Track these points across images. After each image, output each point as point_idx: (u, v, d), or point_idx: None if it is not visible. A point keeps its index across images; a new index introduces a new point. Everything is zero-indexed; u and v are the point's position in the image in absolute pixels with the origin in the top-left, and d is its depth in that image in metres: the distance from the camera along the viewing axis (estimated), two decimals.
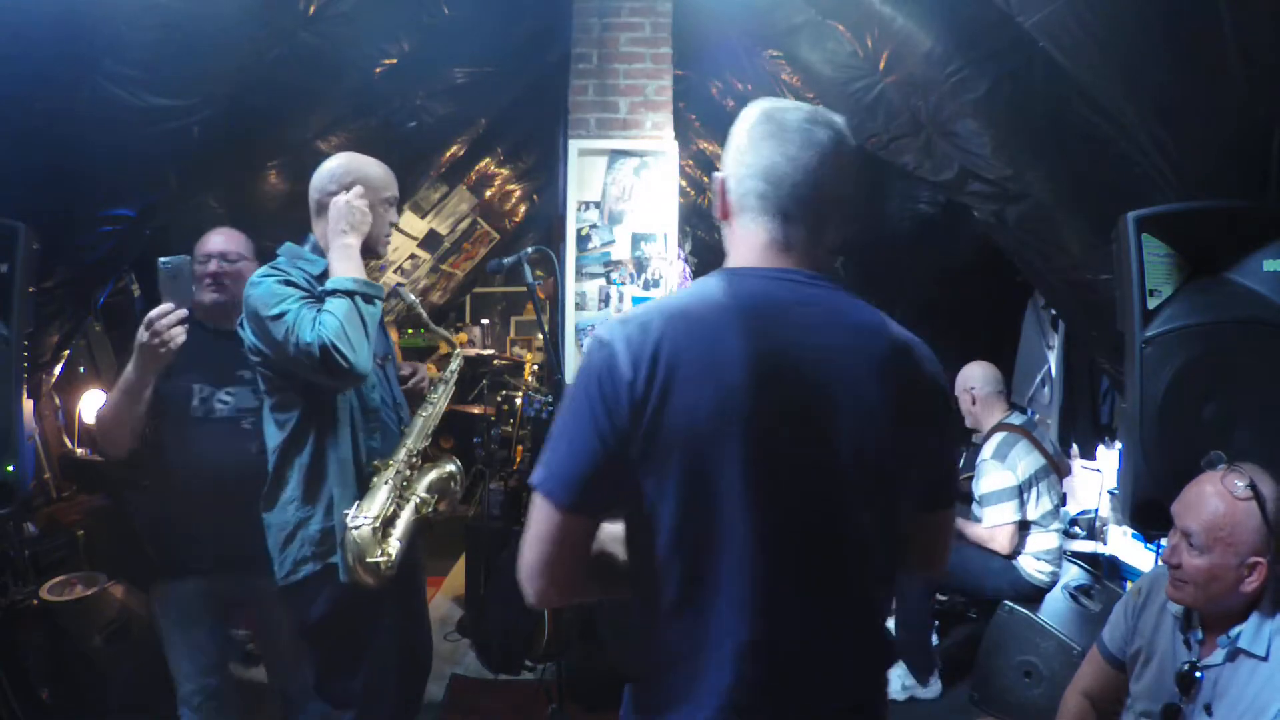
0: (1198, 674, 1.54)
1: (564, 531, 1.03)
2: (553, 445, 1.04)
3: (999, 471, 3.09)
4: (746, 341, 1.01)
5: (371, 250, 1.99)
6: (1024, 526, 3.10)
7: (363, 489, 1.90)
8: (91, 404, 3.36)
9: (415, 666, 2.12)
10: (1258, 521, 1.45)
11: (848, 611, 1.07)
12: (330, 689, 1.95)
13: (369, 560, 1.81)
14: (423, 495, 2.01)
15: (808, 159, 1.07)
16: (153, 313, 2.02)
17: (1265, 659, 1.47)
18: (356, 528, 1.81)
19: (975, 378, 3.37)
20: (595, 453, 1.00)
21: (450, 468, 2.16)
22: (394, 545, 1.87)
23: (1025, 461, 3.10)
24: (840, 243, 1.14)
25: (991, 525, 3.09)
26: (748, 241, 1.11)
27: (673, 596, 1.03)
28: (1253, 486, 1.46)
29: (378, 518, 1.85)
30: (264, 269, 1.91)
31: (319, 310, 1.77)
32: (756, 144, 1.09)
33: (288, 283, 1.83)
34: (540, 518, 1.03)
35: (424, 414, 2.10)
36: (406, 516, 1.95)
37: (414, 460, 2.01)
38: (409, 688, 2.10)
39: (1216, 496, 1.49)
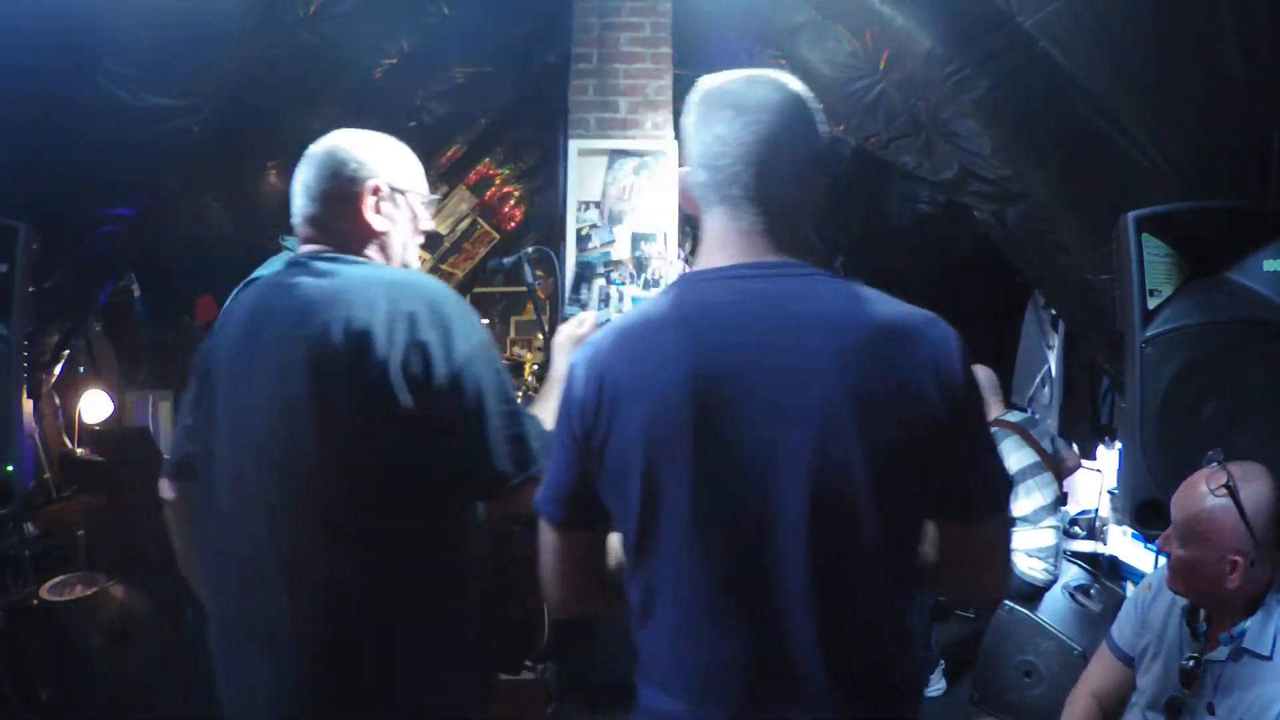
0: (1201, 669, 1.55)
1: (563, 545, 1.05)
2: (549, 462, 1.07)
3: None
4: (684, 356, 0.94)
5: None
6: (1011, 522, 3.10)
7: None
8: (91, 404, 3.37)
9: None
10: (1234, 520, 1.47)
11: (813, 637, 0.93)
12: None
13: None
14: None
15: (742, 134, 0.96)
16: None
17: (1269, 658, 1.47)
18: None
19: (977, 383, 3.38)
20: (569, 472, 1.01)
21: None
22: None
23: (1014, 457, 3.10)
24: (818, 204, 1.03)
25: None
26: (707, 240, 1.02)
27: (638, 611, 1.00)
28: (1230, 485, 1.48)
29: None
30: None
31: None
32: (697, 131, 1.00)
33: None
34: (541, 532, 1.06)
35: None
36: None
37: None
38: None
39: (1199, 493, 1.52)
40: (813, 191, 1.02)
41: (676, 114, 3.73)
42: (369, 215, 1.29)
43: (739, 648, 0.94)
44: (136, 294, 3.34)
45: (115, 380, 3.61)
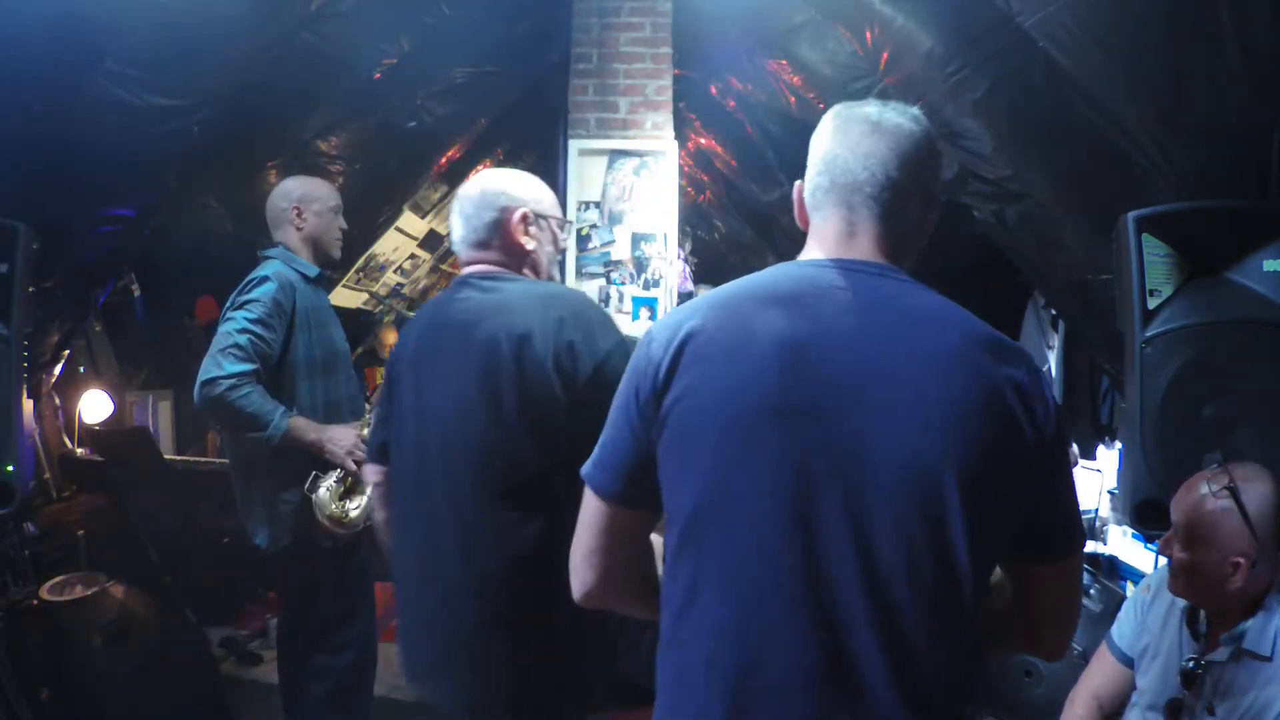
0: (1201, 670, 1.54)
1: (607, 521, 1.01)
2: (602, 434, 1.03)
3: None
4: (773, 328, 0.92)
5: (325, 254, 2.31)
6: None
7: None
8: (91, 404, 3.37)
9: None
10: (1236, 522, 1.46)
11: (877, 654, 0.86)
12: (330, 640, 2.25)
13: (329, 514, 2.12)
14: None
15: (871, 147, 0.99)
16: None
17: (1270, 659, 1.47)
18: (315, 492, 2.13)
19: None
20: (628, 442, 0.98)
21: None
22: (354, 504, 2.18)
23: None
24: (924, 236, 1.05)
25: None
26: (814, 238, 1.03)
27: (676, 605, 0.95)
28: (1231, 488, 1.47)
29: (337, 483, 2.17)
30: (267, 271, 2.14)
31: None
32: (823, 141, 1.03)
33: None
34: (586, 505, 1.03)
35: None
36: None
37: None
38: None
39: (1200, 495, 1.52)
40: (924, 221, 1.04)
41: (677, 114, 3.73)
42: (520, 237, 1.57)
43: (802, 661, 0.87)
44: (136, 294, 3.34)
45: (115, 380, 3.61)
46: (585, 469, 1.03)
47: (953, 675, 0.89)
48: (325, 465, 2.16)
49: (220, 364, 1.98)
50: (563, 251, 1.72)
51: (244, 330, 2.02)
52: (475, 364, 1.43)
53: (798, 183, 1.07)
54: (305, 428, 2.10)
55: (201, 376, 1.98)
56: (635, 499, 1.00)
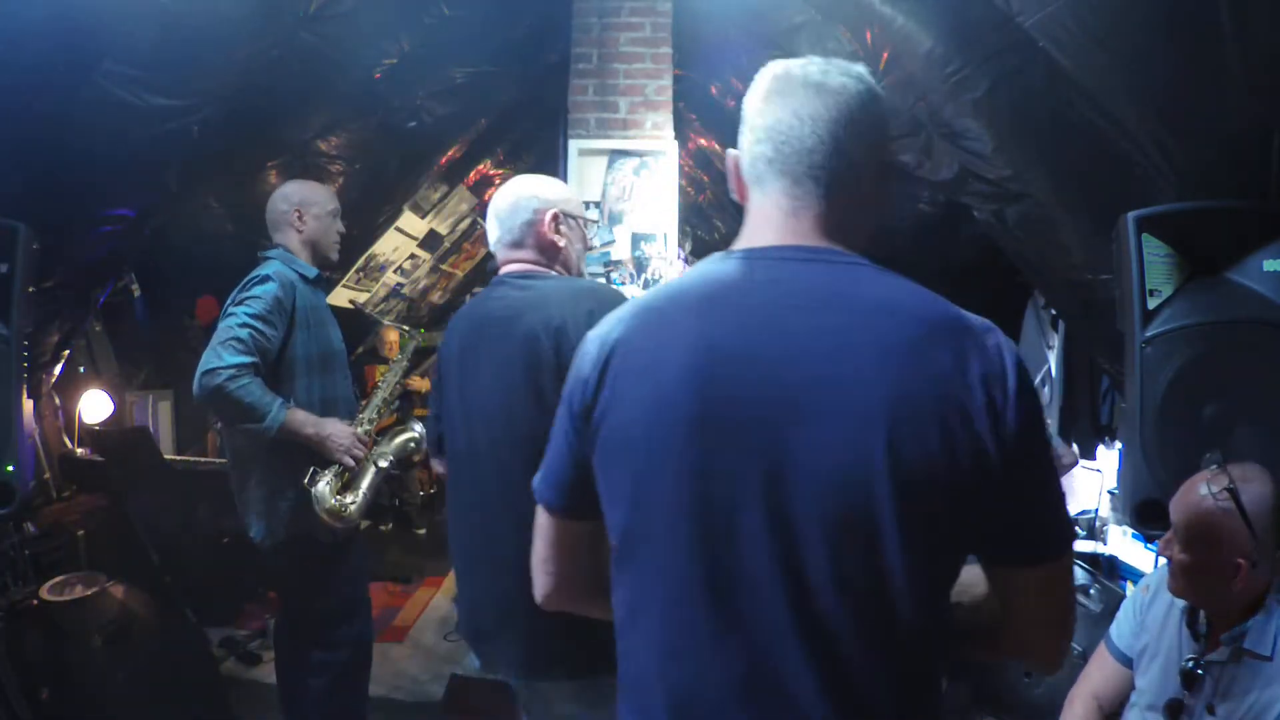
0: (1201, 670, 1.54)
1: (556, 532, 1.00)
2: (548, 446, 1.02)
3: None
4: (696, 337, 0.86)
5: (324, 256, 2.38)
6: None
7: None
8: (91, 404, 3.37)
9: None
10: (1237, 524, 1.46)
11: (784, 668, 0.82)
12: (327, 636, 2.32)
13: (328, 509, 2.19)
14: (383, 462, 2.39)
15: (819, 111, 0.89)
16: None
17: (1270, 659, 1.47)
18: (314, 486, 2.19)
19: None
20: (567, 455, 0.95)
21: (410, 433, 2.55)
22: (351, 499, 2.25)
23: None
24: (880, 211, 0.96)
25: None
26: (755, 217, 0.94)
27: (621, 622, 0.92)
28: (1232, 489, 1.47)
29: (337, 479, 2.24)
30: (267, 271, 2.18)
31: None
32: (764, 106, 0.92)
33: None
34: (538, 514, 1.02)
35: (379, 392, 2.48)
36: (368, 477, 2.31)
37: (371, 432, 2.38)
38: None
39: (1200, 497, 1.52)
40: (879, 193, 0.94)
41: (677, 114, 3.73)
42: (551, 236, 1.69)
43: (733, 676, 0.84)
44: (136, 294, 3.34)
45: (115, 380, 3.62)
46: (535, 480, 1.02)
47: (895, 691, 0.83)
48: (322, 460, 2.20)
49: (220, 355, 2.01)
50: (590, 249, 1.85)
51: (245, 325, 2.06)
52: (518, 357, 1.53)
53: (731, 152, 0.97)
54: (303, 421, 2.14)
55: (201, 367, 2.01)
56: (578, 511, 0.97)
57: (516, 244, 1.70)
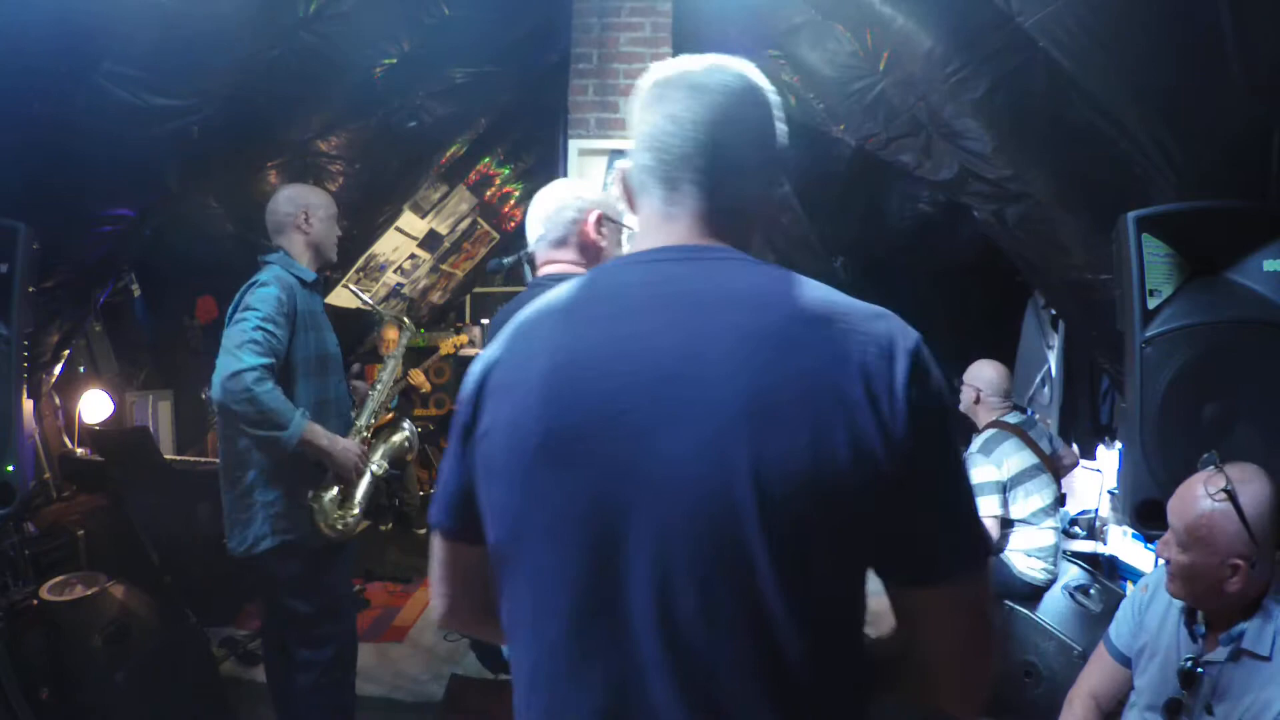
0: (1200, 670, 1.54)
1: (445, 553, 0.95)
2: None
3: (983, 465, 3.11)
4: (548, 350, 0.82)
5: (325, 257, 2.42)
6: (1008, 524, 3.11)
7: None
8: (91, 404, 3.37)
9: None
10: (1235, 525, 1.46)
11: (649, 701, 0.75)
12: (313, 634, 2.33)
13: (329, 522, 2.25)
14: (378, 469, 2.46)
15: (694, 113, 0.85)
16: None
17: (1268, 659, 1.47)
18: (320, 501, 2.25)
19: (983, 379, 3.36)
20: (454, 476, 0.90)
21: (402, 434, 2.60)
22: (350, 511, 2.33)
23: (1013, 459, 3.10)
24: (771, 208, 0.92)
25: None
26: (641, 226, 0.90)
27: (507, 640, 0.88)
28: (1229, 490, 1.47)
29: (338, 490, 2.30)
30: (267, 277, 2.21)
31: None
32: (644, 114, 0.89)
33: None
34: (432, 537, 0.97)
35: (374, 392, 2.53)
36: (364, 486, 2.38)
37: (368, 438, 2.45)
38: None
39: (1198, 498, 1.52)
40: (767, 190, 0.90)
41: None
42: (594, 235, 1.76)
43: (594, 710, 0.77)
44: (136, 294, 3.34)
45: (115, 380, 3.61)
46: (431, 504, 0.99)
47: None
48: (317, 472, 2.26)
49: (240, 358, 2.02)
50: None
51: (258, 327, 2.08)
52: None
53: (619, 164, 0.96)
54: (319, 433, 2.18)
55: (224, 371, 2.01)
56: (466, 534, 0.90)
57: (560, 242, 1.75)
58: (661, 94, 0.88)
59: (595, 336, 0.81)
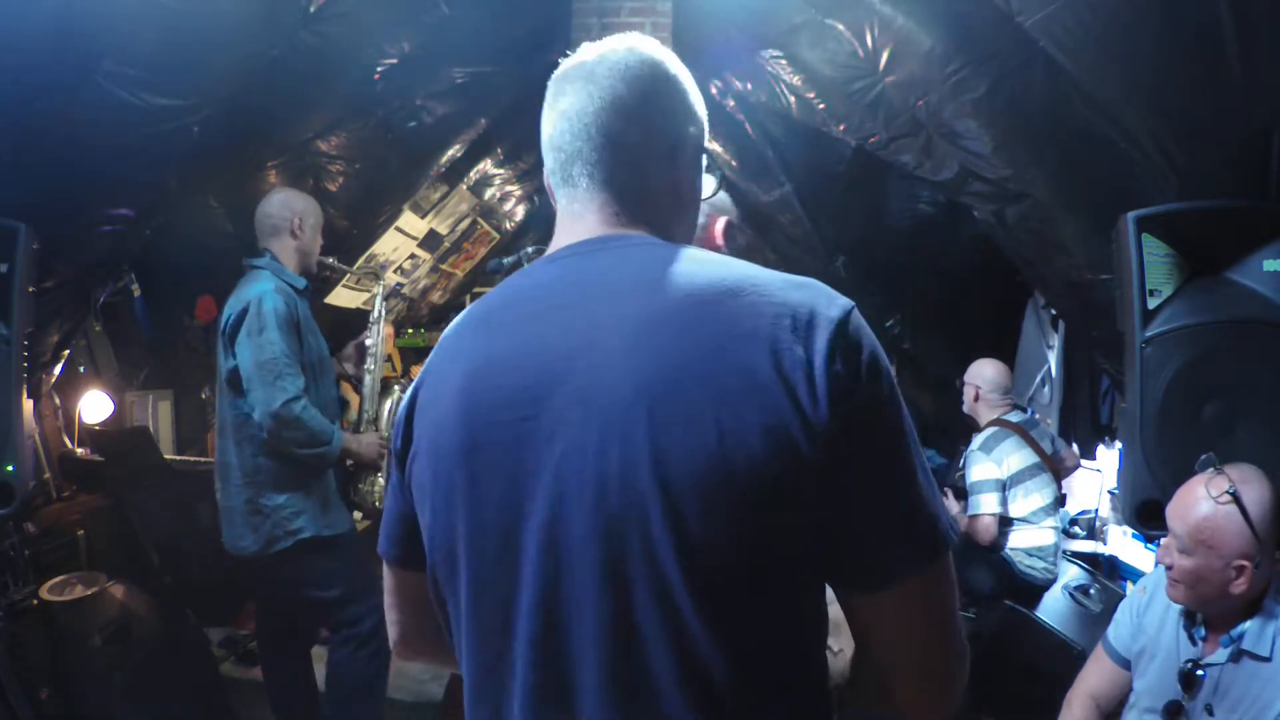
0: (1200, 672, 1.54)
1: (394, 581, 0.91)
2: None
3: (984, 463, 3.11)
4: (465, 357, 0.79)
5: (309, 267, 2.50)
6: (1007, 522, 3.11)
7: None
8: (91, 404, 3.37)
9: None
10: (1239, 526, 1.46)
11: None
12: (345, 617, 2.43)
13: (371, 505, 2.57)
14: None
15: (584, 105, 0.81)
16: None
17: (1268, 659, 1.47)
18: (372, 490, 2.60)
19: (983, 377, 3.37)
20: (393, 504, 0.88)
21: (393, 396, 2.75)
22: (380, 483, 2.61)
23: (1014, 458, 3.11)
24: (685, 191, 0.86)
25: (971, 514, 3.11)
26: (556, 228, 0.87)
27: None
28: (1234, 491, 1.47)
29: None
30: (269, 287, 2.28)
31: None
32: (546, 116, 0.86)
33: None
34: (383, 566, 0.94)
35: (370, 371, 2.68)
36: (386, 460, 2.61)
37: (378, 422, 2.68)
38: None
39: (1200, 501, 1.51)
40: (677, 173, 0.84)
41: None
42: (720, 241, 1.72)
43: None
44: (136, 294, 3.33)
45: (115, 380, 3.61)
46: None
47: None
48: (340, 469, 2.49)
49: (283, 388, 2.15)
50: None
51: (285, 352, 2.19)
52: None
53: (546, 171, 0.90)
54: (349, 438, 2.38)
55: (271, 404, 2.13)
56: (409, 561, 0.86)
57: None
58: (557, 90, 0.85)
59: (503, 343, 0.77)
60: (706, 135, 0.90)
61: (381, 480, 2.63)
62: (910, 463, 0.70)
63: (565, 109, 0.83)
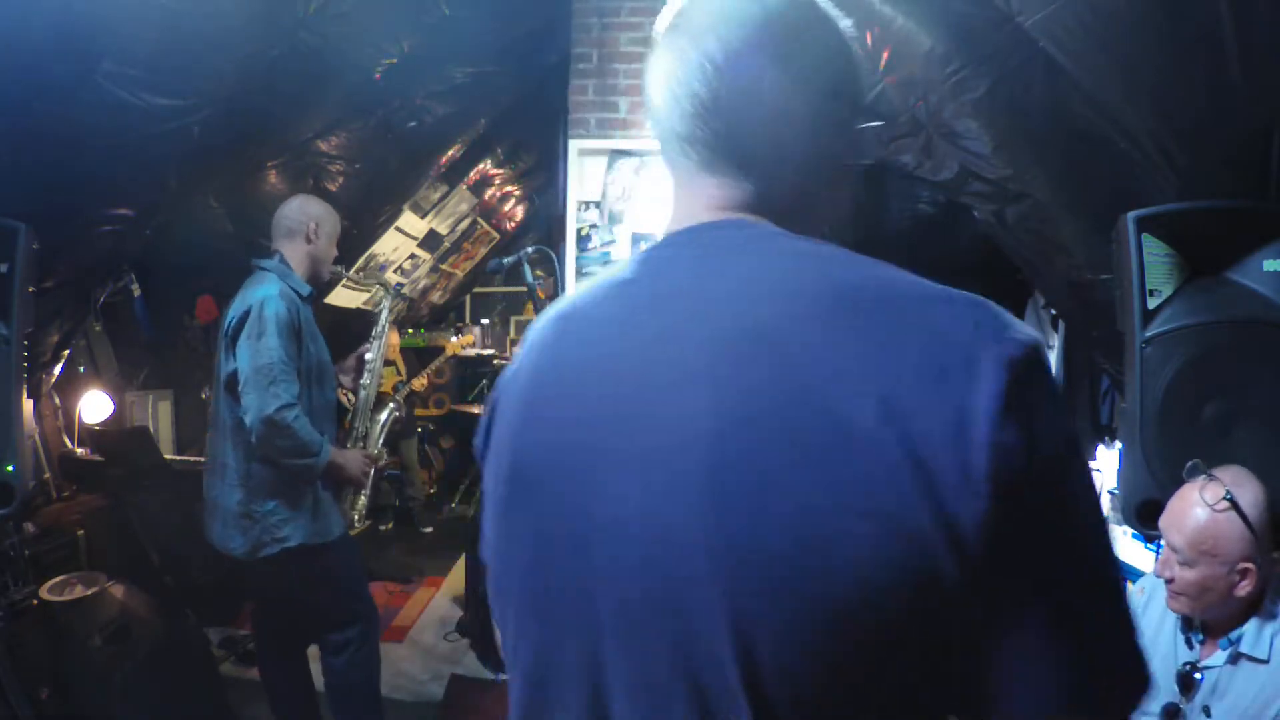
0: (1197, 675, 1.54)
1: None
2: None
3: None
4: (537, 365, 0.68)
5: (318, 273, 2.49)
6: None
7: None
8: (91, 404, 3.37)
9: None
10: (1240, 530, 1.45)
11: None
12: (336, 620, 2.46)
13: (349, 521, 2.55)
14: (382, 462, 2.78)
15: (674, 71, 0.65)
16: None
17: (1266, 662, 1.47)
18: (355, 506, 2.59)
19: None
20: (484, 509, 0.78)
21: (386, 410, 2.80)
22: (360, 504, 2.66)
23: None
24: (832, 159, 0.67)
25: None
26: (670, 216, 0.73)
27: None
28: (1230, 496, 1.46)
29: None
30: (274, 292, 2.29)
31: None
32: (653, 81, 0.69)
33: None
34: None
35: (365, 386, 2.71)
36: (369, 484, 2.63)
37: (365, 441, 2.70)
38: None
39: (1196, 509, 1.49)
40: (798, 131, 0.63)
41: None
42: None
43: None
44: (136, 294, 3.33)
45: (115, 380, 3.61)
46: None
47: None
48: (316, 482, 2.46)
49: (277, 394, 2.14)
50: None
51: (282, 359, 2.18)
52: None
53: None
54: (336, 452, 2.36)
55: (263, 410, 2.12)
56: None
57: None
58: (653, 63, 0.69)
59: (579, 349, 0.65)
60: (862, 89, 0.71)
61: (364, 498, 2.65)
62: (1109, 575, 0.49)
63: (659, 80, 0.67)
